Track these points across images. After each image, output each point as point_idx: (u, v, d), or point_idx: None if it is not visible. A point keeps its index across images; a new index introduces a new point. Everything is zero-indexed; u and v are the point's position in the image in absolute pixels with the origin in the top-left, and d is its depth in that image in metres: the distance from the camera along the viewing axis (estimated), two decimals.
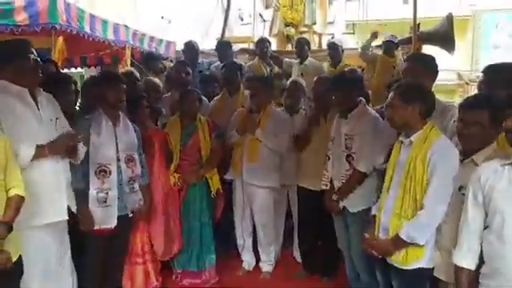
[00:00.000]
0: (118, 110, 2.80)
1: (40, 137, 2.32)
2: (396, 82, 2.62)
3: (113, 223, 2.72)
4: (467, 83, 11.79)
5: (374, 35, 5.35)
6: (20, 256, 2.07)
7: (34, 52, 2.38)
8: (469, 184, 1.82)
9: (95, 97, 2.84)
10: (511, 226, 1.65)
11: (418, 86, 2.20)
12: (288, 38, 6.72)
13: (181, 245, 3.34)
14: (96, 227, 2.66)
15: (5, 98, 2.24)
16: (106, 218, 2.70)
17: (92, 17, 4.64)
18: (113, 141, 2.74)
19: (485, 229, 1.76)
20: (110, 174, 2.70)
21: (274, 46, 5.76)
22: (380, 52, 5.22)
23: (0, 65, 2.29)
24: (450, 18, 5.12)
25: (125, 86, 2.80)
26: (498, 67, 2.38)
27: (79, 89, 3.50)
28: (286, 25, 6.69)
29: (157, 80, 3.94)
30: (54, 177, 2.37)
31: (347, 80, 3.06)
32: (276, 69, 5.09)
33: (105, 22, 4.92)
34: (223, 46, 5.02)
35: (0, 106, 2.21)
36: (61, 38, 4.35)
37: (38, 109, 2.35)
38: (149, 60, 4.98)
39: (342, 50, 5.21)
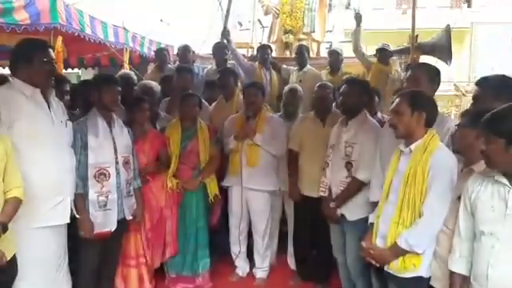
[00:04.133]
0: (112, 111, 2.79)
1: (52, 138, 2.32)
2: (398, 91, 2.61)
3: (113, 226, 2.70)
4: (464, 94, 11.91)
5: (358, 18, 5.09)
6: (14, 257, 2.05)
7: (52, 53, 2.38)
8: (462, 193, 1.87)
9: (90, 98, 2.83)
10: (488, 237, 1.70)
11: (425, 95, 2.20)
12: (286, 45, 6.74)
13: (175, 250, 3.31)
14: (96, 231, 2.62)
15: (18, 98, 2.24)
16: (106, 222, 2.67)
17: (92, 18, 4.64)
18: (110, 143, 2.72)
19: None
20: (109, 176, 2.67)
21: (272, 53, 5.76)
22: (375, 60, 5.23)
23: (18, 63, 2.29)
24: (448, 30, 5.16)
25: (119, 89, 2.80)
26: (490, 80, 2.40)
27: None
28: (285, 32, 6.71)
29: (153, 83, 3.93)
30: (59, 177, 2.35)
31: (360, 83, 3.06)
32: (275, 75, 5.10)
33: (104, 24, 4.92)
34: (219, 49, 5.00)
35: (13, 106, 2.21)
36: (60, 39, 4.34)
37: (50, 110, 2.35)
38: None
39: (342, 59, 5.24)
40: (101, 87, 2.76)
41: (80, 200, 2.56)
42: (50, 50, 2.37)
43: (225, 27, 5.40)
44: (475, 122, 1.97)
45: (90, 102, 2.87)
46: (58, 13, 4.01)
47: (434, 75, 2.52)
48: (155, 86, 3.86)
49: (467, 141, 2.00)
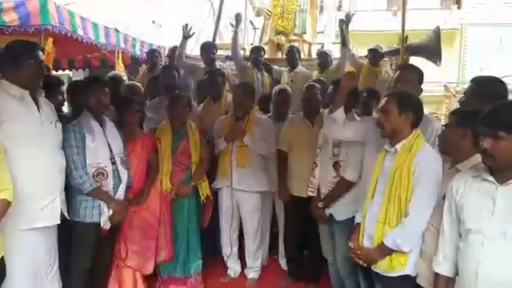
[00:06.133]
0: (102, 113, 2.80)
1: (41, 139, 2.32)
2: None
3: (108, 225, 2.72)
4: (453, 95, 12.03)
5: (348, 18, 5.03)
6: (2, 259, 2.04)
7: (41, 55, 2.38)
8: (446, 193, 1.88)
9: (81, 100, 2.84)
10: (476, 235, 1.71)
11: (413, 96, 2.23)
12: (278, 46, 6.77)
13: (170, 254, 3.29)
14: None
15: (6, 100, 2.24)
16: (106, 220, 2.70)
17: (83, 19, 4.63)
18: (105, 143, 2.74)
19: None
20: (106, 176, 2.71)
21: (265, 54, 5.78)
22: (366, 61, 5.27)
23: (6, 65, 2.30)
24: (437, 32, 5.21)
25: (107, 90, 2.81)
26: (485, 79, 2.42)
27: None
28: (277, 33, 6.75)
29: (138, 84, 3.94)
30: (48, 178, 2.35)
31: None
32: (266, 76, 5.12)
33: (95, 25, 4.91)
34: (207, 49, 5.01)
35: (1, 107, 2.20)
36: (51, 40, 4.33)
37: (39, 111, 2.35)
38: None
39: (331, 60, 5.27)
40: (88, 89, 2.77)
41: (99, 191, 2.63)
42: (39, 52, 2.37)
43: (216, 28, 5.41)
44: (462, 121, 2.00)
45: (78, 103, 2.87)
46: (50, 14, 4.00)
47: (420, 76, 2.55)
48: (139, 86, 3.90)
49: (454, 140, 2.03)
